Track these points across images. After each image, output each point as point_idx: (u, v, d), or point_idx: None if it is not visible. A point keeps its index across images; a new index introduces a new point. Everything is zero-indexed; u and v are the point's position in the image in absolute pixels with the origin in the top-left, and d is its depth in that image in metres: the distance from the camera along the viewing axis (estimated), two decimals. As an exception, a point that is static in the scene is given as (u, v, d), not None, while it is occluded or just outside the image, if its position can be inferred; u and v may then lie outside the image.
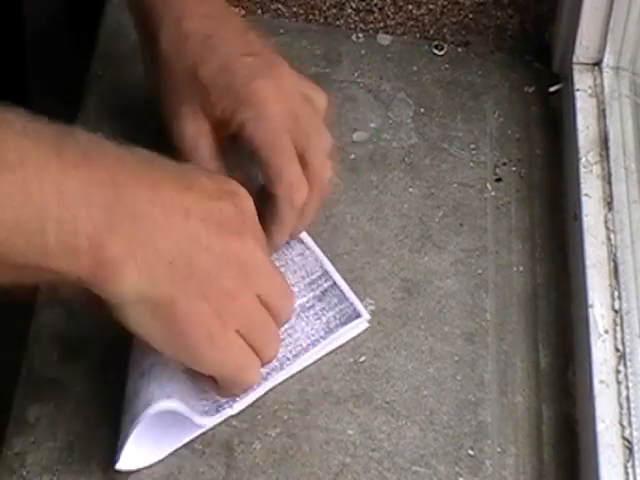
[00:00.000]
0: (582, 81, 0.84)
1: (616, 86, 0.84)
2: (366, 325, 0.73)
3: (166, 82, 0.74)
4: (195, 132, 0.72)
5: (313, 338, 0.72)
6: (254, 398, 0.70)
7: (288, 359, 0.71)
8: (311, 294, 0.74)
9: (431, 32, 0.90)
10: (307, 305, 0.73)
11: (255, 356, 0.65)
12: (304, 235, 0.76)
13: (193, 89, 0.72)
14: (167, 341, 0.62)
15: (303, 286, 0.74)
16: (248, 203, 0.65)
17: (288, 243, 0.75)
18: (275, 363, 0.70)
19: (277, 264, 0.73)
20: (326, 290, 0.74)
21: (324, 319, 0.73)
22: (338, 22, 0.90)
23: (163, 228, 0.60)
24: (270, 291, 0.65)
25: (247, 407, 0.69)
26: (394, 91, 0.87)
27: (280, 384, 0.71)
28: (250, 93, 0.71)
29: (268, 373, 0.70)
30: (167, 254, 0.60)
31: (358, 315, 0.73)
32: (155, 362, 0.66)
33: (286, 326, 0.71)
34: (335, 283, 0.74)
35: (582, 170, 0.79)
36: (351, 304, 0.74)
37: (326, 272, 0.74)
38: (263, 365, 0.66)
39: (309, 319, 0.73)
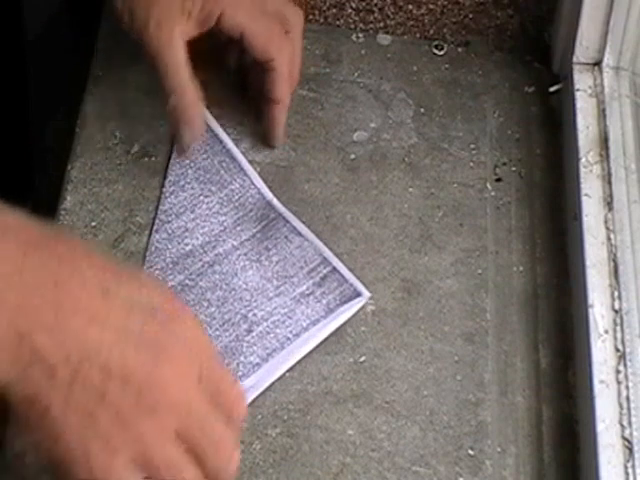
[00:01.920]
0: (582, 81, 0.84)
1: (616, 86, 0.84)
2: (364, 301, 0.74)
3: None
4: (170, 34, 0.75)
5: (313, 318, 0.73)
6: (263, 385, 0.70)
7: (288, 339, 0.72)
8: (310, 281, 0.74)
9: (431, 32, 0.90)
10: (307, 292, 0.74)
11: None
12: (302, 227, 0.76)
13: None
14: (39, 448, 0.57)
15: (302, 275, 0.74)
16: (182, 322, 0.58)
17: (287, 237, 0.75)
18: (275, 343, 0.71)
19: (276, 258, 0.75)
20: (325, 276, 0.75)
21: (324, 301, 0.74)
22: (338, 22, 0.90)
23: (50, 334, 0.54)
24: (189, 431, 0.57)
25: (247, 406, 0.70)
26: (394, 91, 0.87)
27: (280, 380, 0.71)
28: None
29: (269, 354, 0.71)
30: (49, 360, 0.54)
31: (358, 294, 0.74)
32: None
33: (285, 310, 0.72)
34: (334, 268, 0.75)
35: (582, 170, 0.79)
36: (351, 285, 0.74)
37: (325, 259, 0.75)
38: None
39: (309, 303, 0.73)
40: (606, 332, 0.71)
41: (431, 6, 0.89)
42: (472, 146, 0.84)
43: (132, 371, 0.55)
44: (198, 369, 0.57)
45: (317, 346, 0.73)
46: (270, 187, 0.79)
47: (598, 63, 0.85)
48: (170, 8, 0.76)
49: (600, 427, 0.67)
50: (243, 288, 0.74)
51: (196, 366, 0.57)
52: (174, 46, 0.75)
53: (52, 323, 0.53)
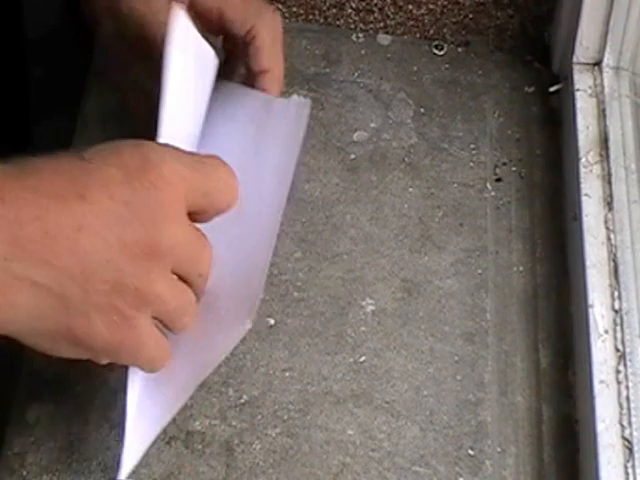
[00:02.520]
0: (582, 81, 0.84)
1: (616, 86, 0.84)
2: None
3: None
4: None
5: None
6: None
7: None
8: None
9: (431, 32, 0.90)
10: None
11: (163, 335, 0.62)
12: None
13: None
14: (83, 355, 0.61)
15: None
16: (159, 173, 0.59)
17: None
18: None
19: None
20: None
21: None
22: (338, 22, 0.90)
23: (43, 259, 0.56)
24: (183, 265, 0.61)
25: (247, 406, 0.69)
26: (394, 91, 0.87)
27: (280, 380, 0.71)
28: None
29: None
30: (55, 288, 0.57)
31: None
32: None
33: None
34: None
35: (582, 170, 0.79)
36: None
37: None
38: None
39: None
40: (606, 332, 0.71)
41: (431, 6, 0.89)
42: (472, 146, 0.84)
43: (132, 248, 0.58)
44: (189, 198, 0.60)
45: (317, 345, 0.73)
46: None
47: (598, 63, 0.85)
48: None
49: (600, 427, 0.67)
50: None
51: (182, 199, 0.60)
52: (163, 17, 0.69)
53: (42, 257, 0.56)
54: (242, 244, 0.69)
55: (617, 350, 0.71)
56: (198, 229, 0.62)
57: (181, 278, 0.62)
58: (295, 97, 0.74)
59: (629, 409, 0.68)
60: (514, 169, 0.83)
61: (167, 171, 0.59)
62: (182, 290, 0.62)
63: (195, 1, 0.73)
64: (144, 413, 0.65)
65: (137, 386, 0.65)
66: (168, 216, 0.59)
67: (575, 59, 0.85)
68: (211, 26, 0.75)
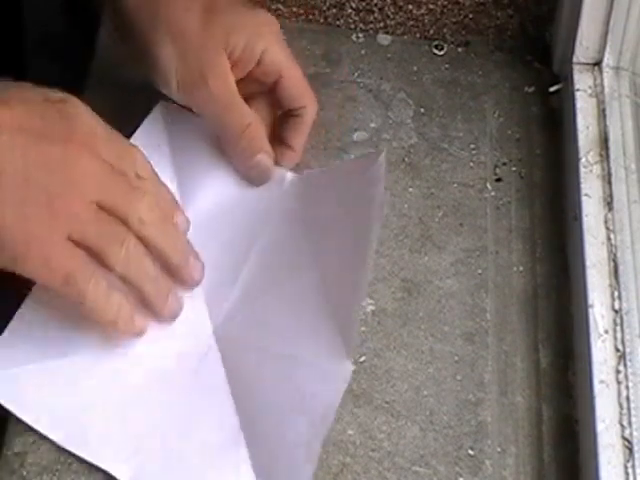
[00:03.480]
0: (582, 81, 0.84)
1: (616, 86, 0.84)
2: None
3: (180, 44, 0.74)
4: (225, 74, 0.74)
5: None
6: None
7: None
8: None
9: (431, 32, 0.90)
10: None
11: (92, 263, 0.65)
12: None
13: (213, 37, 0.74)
14: None
15: None
16: (77, 110, 0.65)
17: None
18: None
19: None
20: None
21: None
22: (338, 22, 0.90)
23: None
24: (108, 195, 0.65)
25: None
26: (394, 91, 0.87)
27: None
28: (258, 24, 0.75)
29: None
30: None
31: None
32: None
33: None
34: None
35: (582, 170, 0.79)
36: None
37: None
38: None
39: None
40: (606, 332, 0.71)
41: (431, 6, 0.89)
42: (472, 146, 0.84)
43: (48, 157, 0.63)
44: (102, 147, 0.65)
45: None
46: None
47: (598, 63, 0.85)
48: (216, 49, 0.73)
49: (600, 427, 0.67)
50: None
51: (99, 144, 0.65)
52: (230, 90, 0.74)
53: None
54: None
55: (617, 350, 0.71)
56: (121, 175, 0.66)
57: (116, 217, 0.65)
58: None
59: (629, 409, 0.68)
60: (514, 169, 0.83)
61: (84, 112, 0.65)
62: (107, 221, 0.64)
63: (265, 55, 0.75)
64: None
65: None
66: (80, 142, 0.64)
67: (575, 59, 0.85)
68: (261, 88, 0.77)
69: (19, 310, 0.69)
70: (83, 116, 0.65)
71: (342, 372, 0.68)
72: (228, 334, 0.70)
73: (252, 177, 0.76)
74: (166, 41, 0.73)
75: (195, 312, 0.71)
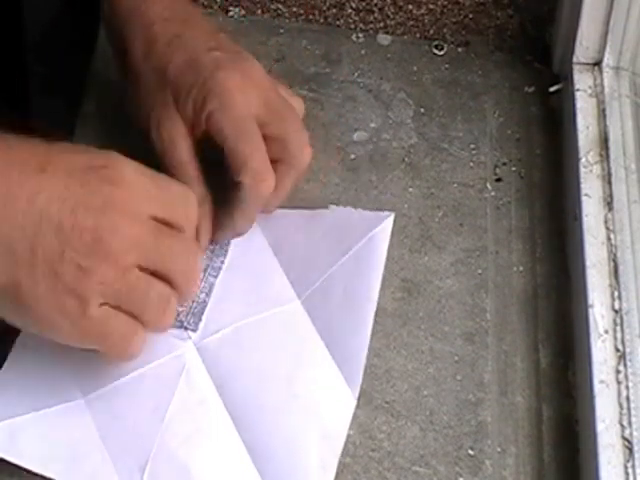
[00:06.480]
0: (582, 81, 0.84)
1: (616, 86, 0.84)
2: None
3: (138, 89, 0.74)
4: (171, 134, 0.72)
5: None
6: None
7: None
8: None
9: (431, 32, 0.90)
10: None
11: (135, 323, 0.64)
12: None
13: (164, 90, 0.72)
14: (25, 323, 0.63)
15: None
16: (121, 173, 0.63)
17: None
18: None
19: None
20: None
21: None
22: (338, 22, 0.90)
23: (2, 215, 0.60)
24: (149, 259, 0.64)
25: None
26: (394, 91, 0.87)
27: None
28: (215, 84, 0.70)
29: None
30: (5, 240, 0.60)
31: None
32: None
33: None
34: None
35: (582, 170, 0.79)
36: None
37: None
38: (150, 330, 0.65)
39: None
40: (606, 332, 0.71)
41: (431, 6, 0.89)
42: (472, 146, 0.84)
43: (83, 224, 0.61)
44: (145, 207, 0.63)
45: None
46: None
47: (598, 63, 0.85)
48: (167, 106, 0.72)
49: (600, 427, 0.67)
50: None
51: (143, 205, 0.63)
52: (176, 146, 0.72)
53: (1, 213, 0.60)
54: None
55: (617, 350, 0.71)
56: (165, 228, 0.64)
57: (157, 275, 0.64)
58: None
59: (629, 409, 0.68)
60: (514, 169, 0.83)
61: (128, 173, 0.63)
62: (137, 277, 0.63)
63: (263, 126, 0.71)
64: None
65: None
66: (119, 210, 0.62)
67: (575, 59, 0.85)
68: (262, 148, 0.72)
69: (9, 356, 0.69)
70: (126, 178, 0.63)
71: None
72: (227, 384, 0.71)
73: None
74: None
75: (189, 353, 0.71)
